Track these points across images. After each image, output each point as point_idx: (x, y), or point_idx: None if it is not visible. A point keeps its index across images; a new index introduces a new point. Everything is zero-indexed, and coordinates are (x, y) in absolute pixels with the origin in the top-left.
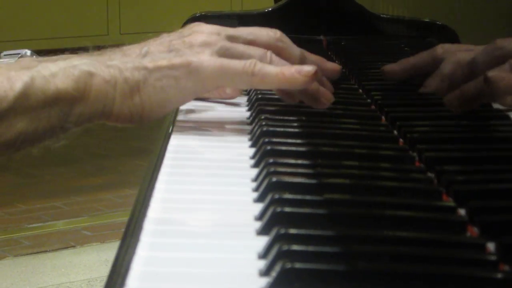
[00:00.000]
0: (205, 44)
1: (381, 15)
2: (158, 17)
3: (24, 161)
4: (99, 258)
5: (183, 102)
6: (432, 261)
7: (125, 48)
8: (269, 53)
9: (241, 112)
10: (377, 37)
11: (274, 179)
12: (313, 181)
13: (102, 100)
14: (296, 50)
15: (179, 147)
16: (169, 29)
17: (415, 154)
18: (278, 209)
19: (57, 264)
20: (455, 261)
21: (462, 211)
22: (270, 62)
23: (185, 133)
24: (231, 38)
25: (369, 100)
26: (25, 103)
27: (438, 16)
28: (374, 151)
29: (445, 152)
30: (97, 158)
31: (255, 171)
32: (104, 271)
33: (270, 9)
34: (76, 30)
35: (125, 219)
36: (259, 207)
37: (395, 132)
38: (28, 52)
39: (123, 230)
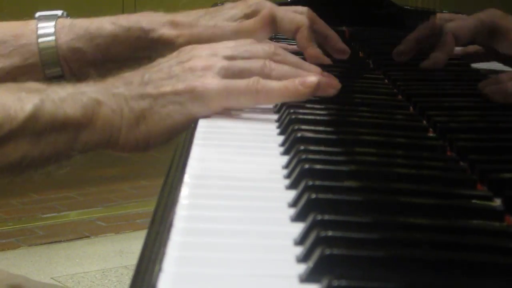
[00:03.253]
0: (206, 68)
1: (404, 7)
2: None
3: None
4: (113, 249)
5: (190, 127)
6: (470, 249)
7: (126, 75)
8: (267, 62)
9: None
10: (400, 28)
11: (306, 166)
12: (345, 168)
13: (108, 129)
14: (292, 60)
15: (207, 134)
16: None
17: (446, 143)
18: (313, 196)
19: (71, 254)
20: (494, 249)
21: (497, 200)
22: (271, 71)
23: (211, 122)
24: (228, 58)
25: (395, 90)
26: (34, 125)
27: (463, 8)
28: (405, 140)
29: (475, 142)
30: None
31: (285, 159)
32: (118, 261)
33: None
34: (91, 7)
35: (140, 210)
36: (291, 194)
37: (424, 122)
38: (63, 13)
39: (137, 221)
